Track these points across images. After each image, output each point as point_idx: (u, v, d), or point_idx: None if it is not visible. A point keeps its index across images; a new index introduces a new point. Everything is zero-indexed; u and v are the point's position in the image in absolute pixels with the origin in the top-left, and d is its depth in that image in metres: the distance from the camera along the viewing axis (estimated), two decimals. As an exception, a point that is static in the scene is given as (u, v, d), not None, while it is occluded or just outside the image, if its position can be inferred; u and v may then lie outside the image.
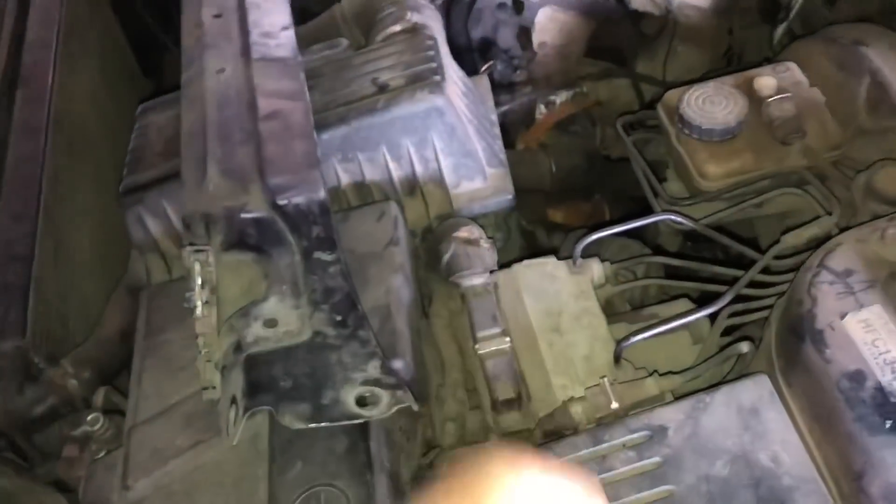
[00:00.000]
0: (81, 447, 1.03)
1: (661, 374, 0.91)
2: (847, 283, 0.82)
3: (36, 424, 1.09)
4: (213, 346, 0.82)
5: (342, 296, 0.82)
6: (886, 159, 1.03)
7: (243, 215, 0.86)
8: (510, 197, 1.17)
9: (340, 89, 1.13)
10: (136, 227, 1.13)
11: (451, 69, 1.18)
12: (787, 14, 1.49)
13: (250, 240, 0.86)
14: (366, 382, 0.78)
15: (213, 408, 0.87)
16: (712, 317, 1.01)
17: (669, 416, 0.81)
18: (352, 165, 1.12)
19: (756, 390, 0.81)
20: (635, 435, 0.80)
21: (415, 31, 1.22)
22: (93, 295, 1.21)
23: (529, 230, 1.56)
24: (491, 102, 1.30)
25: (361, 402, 0.77)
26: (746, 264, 1.03)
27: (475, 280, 1.01)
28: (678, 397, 0.86)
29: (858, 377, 0.76)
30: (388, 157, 1.11)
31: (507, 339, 0.95)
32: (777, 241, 1.02)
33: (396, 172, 1.12)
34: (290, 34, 1.07)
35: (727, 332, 1.01)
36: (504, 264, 1.07)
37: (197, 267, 0.83)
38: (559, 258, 1.08)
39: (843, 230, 0.94)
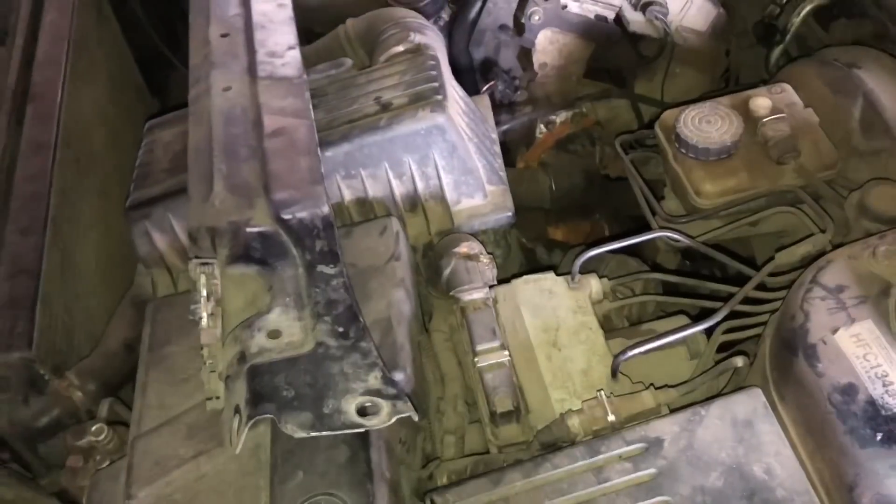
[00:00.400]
0: (85, 458, 1.04)
1: (657, 388, 0.93)
2: (839, 299, 0.83)
3: (41, 435, 1.11)
4: (218, 356, 0.84)
5: (344, 308, 0.84)
6: (879, 178, 1.05)
7: (248, 229, 0.88)
8: (510, 214, 1.19)
9: (344, 107, 1.15)
10: (142, 242, 1.14)
11: (453, 88, 1.20)
12: (784, 37, 1.52)
13: (255, 253, 0.88)
14: (366, 393, 0.79)
15: (215, 419, 0.89)
16: (708, 333, 1.02)
17: (665, 428, 0.82)
18: (355, 182, 1.14)
19: (750, 403, 0.82)
20: (631, 447, 0.82)
21: (417, 51, 1.25)
22: (98, 308, 1.23)
23: (529, 247, 1.58)
24: (491, 121, 1.32)
25: (362, 411, 0.78)
26: (741, 281, 1.05)
27: (475, 294, 1.02)
28: (674, 410, 0.88)
29: (850, 390, 0.77)
30: (391, 174, 1.13)
31: (506, 352, 0.97)
32: (771, 259, 1.04)
33: (398, 189, 1.14)
34: (296, 54, 1.09)
35: (723, 348, 1.02)
36: (503, 280, 1.09)
37: (202, 279, 0.85)
38: (558, 274, 1.09)
39: (836, 247, 0.95)
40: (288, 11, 1.16)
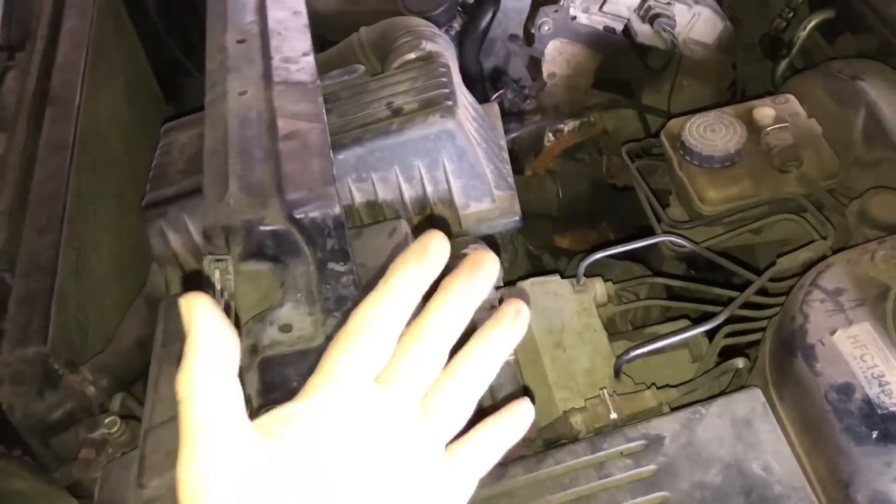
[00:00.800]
0: (98, 450, 1.06)
1: (658, 388, 0.95)
2: (838, 301, 0.85)
3: (54, 428, 1.13)
4: (230, 349, 0.86)
5: (353, 304, 0.85)
6: (879, 187, 1.07)
7: (262, 228, 0.90)
8: (517, 218, 1.20)
9: (356, 112, 1.18)
10: (157, 241, 1.17)
11: (463, 95, 1.22)
12: (789, 50, 1.54)
13: (268, 251, 0.90)
14: (374, 385, 0.81)
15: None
16: (711, 337, 1.04)
17: (666, 426, 0.84)
18: (365, 185, 1.16)
19: (749, 403, 0.84)
20: (632, 444, 0.83)
21: (429, 58, 1.27)
22: (112, 306, 1.25)
23: (536, 254, 1.60)
24: (500, 128, 1.35)
25: (370, 403, 0.80)
26: (745, 287, 1.07)
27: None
28: (675, 409, 0.90)
29: (847, 390, 0.79)
30: (401, 178, 1.16)
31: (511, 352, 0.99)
32: (773, 264, 1.06)
33: (408, 192, 1.17)
34: (311, 60, 1.12)
35: (726, 352, 1.04)
36: (509, 282, 1.11)
37: (216, 275, 0.88)
38: (563, 277, 1.11)
39: (836, 252, 0.97)
40: (303, 19, 1.19)
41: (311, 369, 0.80)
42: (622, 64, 1.66)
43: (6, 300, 1.08)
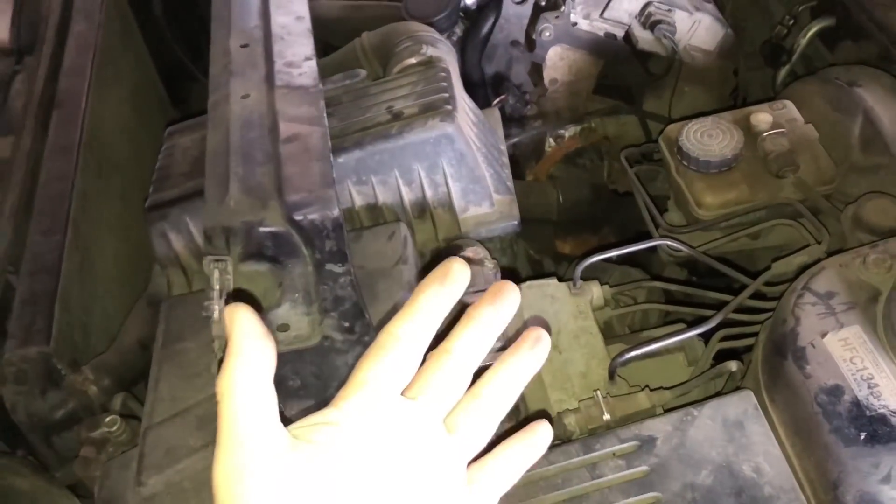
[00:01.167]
0: (98, 448, 1.07)
1: (652, 390, 0.95)
2: (829, 305, 0.86)
3: (56, 427, 1.14)
4: (228, 348, 0.87)
5: (351, 304, 0.87)
6: (873, 192, 1.07)
7: (261, 229, 0.91)
8: (516, 222, 1.21)
9: (357, 116, 1.19)
10: (159, 242, 1.18)
11: (463, 100, 1.24)
12: (790, 57, 1.55)
13: (267, 251, 0.91)
14: (369, 384, 0.82)
15: (225, 410, 0.92)
16: (707, 341, 1.05)
17: (658, 427, 0.85)
18: (365, 188, 1.17)
19: (741, 405, 0.85)
20: (625, 444, 0.84)
21: (430, 63, 1.28)
22: (115, 307, 1.27)
23: (537, 259, 1.61)
24: (500, 133, 1.36)
25: (365, 401, 0.81)
26: (741, 291, 1.07)
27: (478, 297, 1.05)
28: (667, 410, 0.90)
29: (836, 392, 0.80)
30: (400, 181, 1.17)
31: (507, 353, 0.99)
32: (768, 268, 1.06)
33: (407, 195, 1.18)
34: (313, 64, 1.13)
35: (722, 356, 1.04)
36: (507, 285, 1.12)
37: (216, 274, 0.89)
38: (561, 281, 1.12)
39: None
40: (306, 24, 1.21)
41: (307, 368, 0.82)
42: (623, 70, 1.67)
43: (11, 300, 1.10)
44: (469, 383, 0.55)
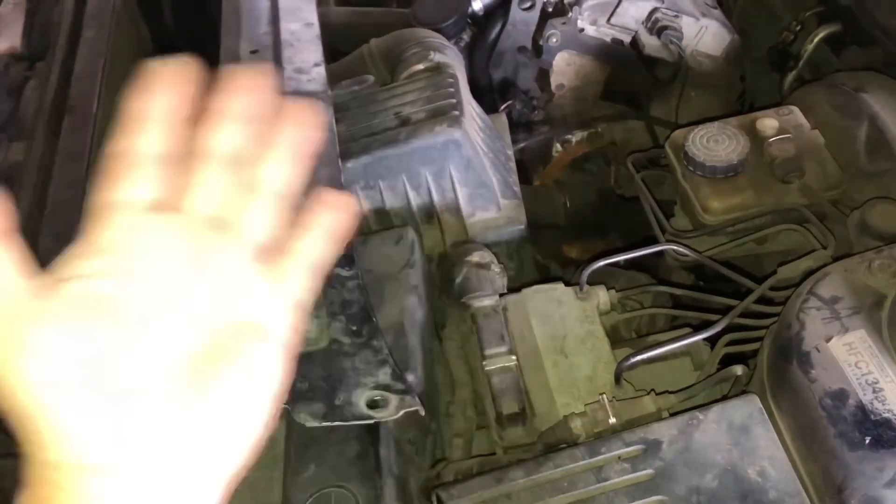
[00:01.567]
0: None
1: (658, 394, 0.96)
2: (834, 309, 0.86)
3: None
4: (237, 351, 0.88)
5: (358, 308, 0.88)
6: (879, 197, 1.08)
7: (270, 233, 0.93)
8: (522, 227, 1.22)
9: (365, 122, 1.20)
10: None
11: (470, 105, 1.25)
12: (797, 63, 1.55)
13: (275, 255, 0.92)
14: (376, 387, 0.83)
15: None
16: (713, 345, 1.05)
17: (663, 431, 0.85)
18: (373, 193, 1.18)
19: (746, 409, 0.85)
20: (630, 448, 0.85)
21: (437, 69, 1.29)
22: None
23: (544, 264, 1.61)
24: (507, 138, 1.37)
25: (372, 404, 0.82)
26: (745, 294, 1.08)
27: (485, 301, 1.06)
28: (673, 414, 0.91)
29: (841, 396, 0.80)
30: (408, 186, 1.18)
31: (514, 357, 1.00)
32: (774, 273, 1.07)
33: (415, 200, 1.19)
34: (321, 70, 1.15)
35: (728, 360, 1.05)
36: (514, 289, 1.12)
37: (225, 278, 0.90)
38: (567, 285, 1.13)
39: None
40: (315, 30, 1.22)
41: (315, 371, 0.83)
42: (630, 76, 1.67)
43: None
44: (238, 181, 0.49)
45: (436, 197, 1.19)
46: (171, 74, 0.48)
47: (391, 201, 1.19)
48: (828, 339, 0.84)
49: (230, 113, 0.49)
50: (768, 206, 1.15)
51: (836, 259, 1.02)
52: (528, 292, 1.10)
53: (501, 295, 1.10)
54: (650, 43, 1.59)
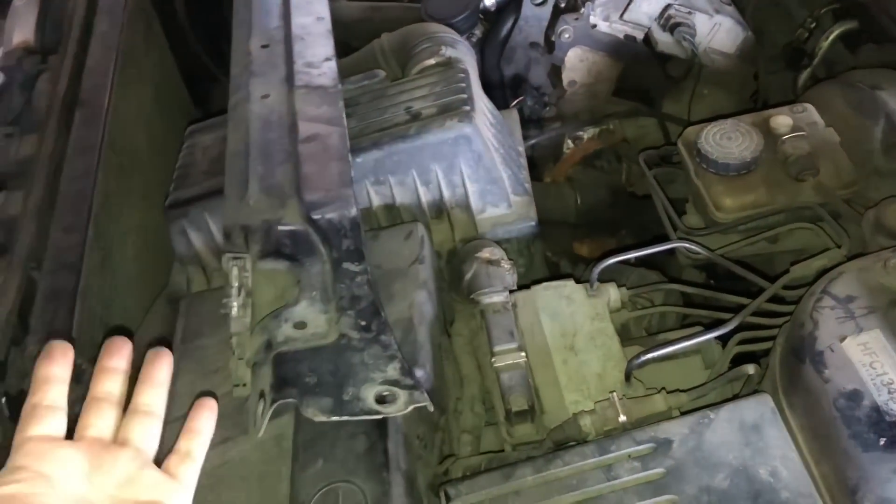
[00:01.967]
0: (118, 444, 1.09)
1: (668, 392, 0.95)
2: (848, 309, 0.85)
3: (76, 421, 1.15)
4: (246, 345, 0.88)
5: (367, 303, 0.88)
6: (895, 196, 1.06)
7: (280, 228, 0.92)
8: (533, 223, 1.22)
9: (376, 116, 1.20)
10: (179, 240, 1.19)
11: (481, 101, 1.24)
12: (811, 61, 1.54)
13: (285, 250, 0.92)
14: (385, 382, 0.83)
15: (241, 407, 0.93)
16: (724, 344, 1.04)
17: (674, 429, 0.85)
18: (383, 188, 1.18)
19: (758, 408, 0.85)
20: (641, 446, 0.84)
21: (448, 64, 1.29)
22: (135, 304, 1.28)
23: (554, 261, 1.60)
24: (519, 134, 1.36)
25: (380, 399, 0.82)
26: (759, 294, 1.07)
27: (494, 298, 1.05)
28: (684, 413, 0.90)
29: (855, 396, 0.79)
30: (418, 181, 1.17)
31: (523, 353, 1.00)
32: (787, 272, 1.06)
33: (425, 196, 1.18)
34: (332, 65, 1.14)
35: (739, 359, 1.04)
36: (523, 285, 1.12)
37: (234, 272, 0.90)
38: (578, 282, 1.12)
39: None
40: (326, 25, 1.22)
41: (324, 366, 0.83)
42: (642, 72, 1.66)
43: (33, 296, 1.11)
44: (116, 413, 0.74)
45: (446, 193, 1.18)
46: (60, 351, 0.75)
47: (401, 197, 1.18)
48: (842, 339, 0.83)
49: (107, 370, 0.76)
50: (782, 205, 1.14)
51: (850, 258, 1.01)
52: (537, 289, 1.10)
53: (511, 291, 1.09)
54: (663, 39, 1.57)
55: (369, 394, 0.82)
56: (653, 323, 1.22)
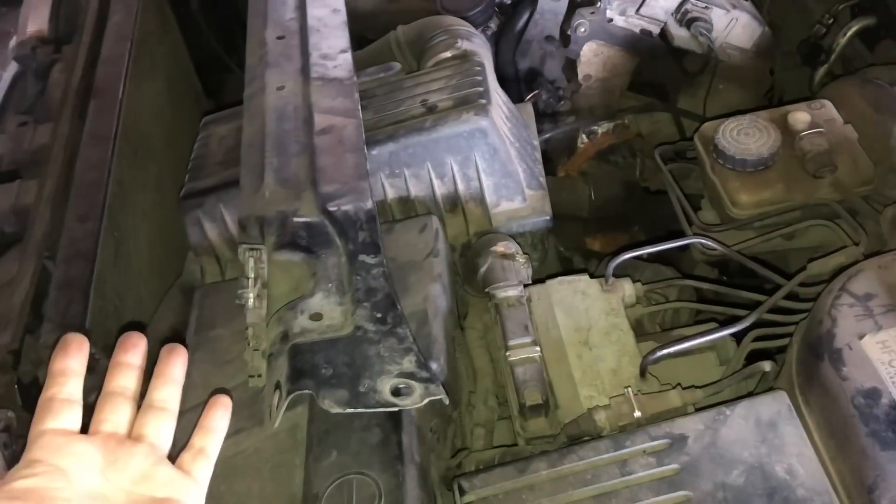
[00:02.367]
0: (131, 433, 1.09)
1: (684, 388, 0.95)
2: (867, 307, 0.85)
3: (90, 411, 1.16)
4: (262, 336, 0.88)
5: (383, 295, 0.88)
6: (915, 193, 1.06)
7: (295, 219, 0.93)
8: (548, 218, 1.21)
9: (391, 109, 1.19)
10: (193, 230, 1.19)
11: (497, 94, 1.23)
12: (828, 57, 1.53)
13: (301, 241, 0.92)
14: (401, 375, 0.83)
15: (255, 398, 0.93)
16: (739, 340, 1.04)
17: (690, 425, 0.84)
18: (398, 181, 1.18)
19: (774, 405, 0.84)
20: (656, 442, 0.84)
21: (464, 57, 1.28)
22: (148, 294, 1.28)
23: (567, 256, 1.60)
24: (534, 128, 1.35)
25: (396, 392, 0.82)
26: (774, 291, 1.06)
27: (509, 292, 1.05)
28: (699, 409, 0.90)
29: (873, 394, 0.79)
30: (433, 174, 1.17)
31: (537, 348, 0.99)
32: (803, 269, 1.05)
33: (440, 189, 1.18)
34: (348, 57, 1.14)
35: (754, 356, 1.03)
36: (538, 280, 1.11)
37: (250, 263, 0.90)
38: (592, 277, 1.12)
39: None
40: (342, 17, 1.22)
41: (339, 357, 0.83)
42: (658, 67, 1.65)
43: (47, 285, 1.11)
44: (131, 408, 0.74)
45: (460, 186, 1.18)
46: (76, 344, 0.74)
47: (416, 189, 1.18)
48: (861, 337, 0.82)
49: (122, 365, 0.76)
50: (799, 201, 1.13)
51: (867, 256, 1.00)
52: (552, 283, 1.09)
53: (525, 286, 1.09)
54: (679, 34, 1.57)
55: (385, 386, 0.81)
56: (666, 319, 1.22)
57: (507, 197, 1.20)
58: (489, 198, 1.19)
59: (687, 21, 1.53)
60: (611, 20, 1.57)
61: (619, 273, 1.11)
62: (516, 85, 1.60)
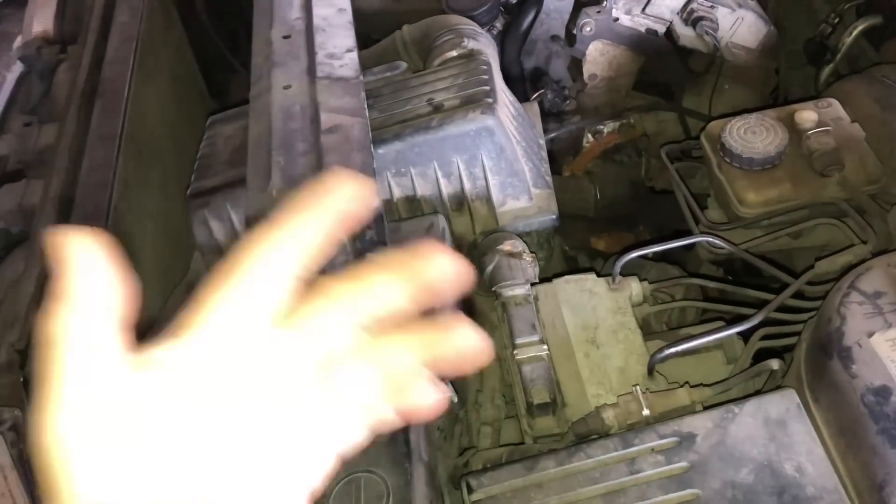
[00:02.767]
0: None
1: (692, 387, 0.94)
2: (876, 304, 0.85)
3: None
4: (269, 334, 0.88)
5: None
6: (923, 192, 1.06)
7: (302, 217, 0.92)
8: (554, 217, 1.21)
9: (398, 108, 1.19)
10: (200, 229, 1.19)
11: (503, 93, 1.23)
12: (834, 56, 1.52)
13: (308, 240, 0.92)
14: (409, 373, 0.82)
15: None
16: (747, 339, 1.04)
17: (698, 424, 0.84)
18: (404, 180, 1.18)
19: (783, 403, 0.84)
20: (664, 440, 0.84)
21: (470, 56, 1.28)
22: (154, 293, 1.28)
23: (572, 255, 1.60)
24: (539, 127, 1.35)
25: (404, 390, 0.81)
26: (781, 290, 1.06)
27: (516, 290, 1.05)
28: (707, 407, 0.90)
29: (883, 392, 0.78)
30: (439, 173, 1.17)
31: (545, 346, 0.99)
32: (811, 267, 1.05)
33: (446, 188, 1.18)
34: (354, 56, 1.14)
35: (762, 355, 1.03)
36: (545, 279, 1.11)
37: (257, 261, 0.90)
38: (599, 276, 1.12)
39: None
40: (347, 16, 1.22)
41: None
42: (664, 66, 1.65)
43: (53, 284, 1.11)
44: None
45: (467, 185, 1.18)
46: (352, 189, 0.44)
47: (422, 188, 1.18)
48: (870, 335, 0.82)
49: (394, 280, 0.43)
50: (806, 200, 1.13)
51: (875, 255, 1.00)
52: (559, 282, 1.09)
53: (532, 284, 1.08)
54: (685, 34, 1.56)
55: (393, 384, 0.81)
56: (673, 318, 1.21)
57: (514, 196, 1.20)
58: (495, 196, 1.19)
59: (693, 20, 1.53)
60: (616, 19, 1.57)
61: (626, 272, 1.11)
62: (522, 84, 1.60)
